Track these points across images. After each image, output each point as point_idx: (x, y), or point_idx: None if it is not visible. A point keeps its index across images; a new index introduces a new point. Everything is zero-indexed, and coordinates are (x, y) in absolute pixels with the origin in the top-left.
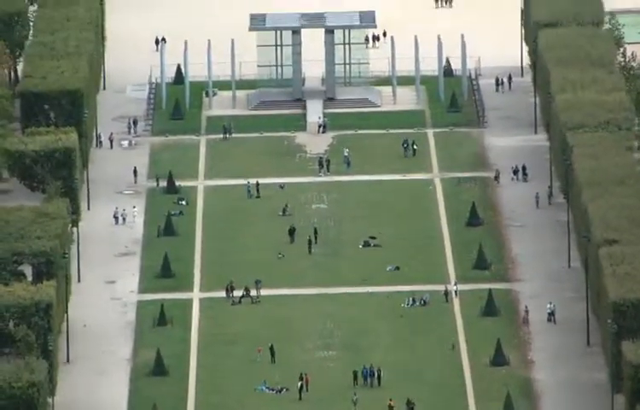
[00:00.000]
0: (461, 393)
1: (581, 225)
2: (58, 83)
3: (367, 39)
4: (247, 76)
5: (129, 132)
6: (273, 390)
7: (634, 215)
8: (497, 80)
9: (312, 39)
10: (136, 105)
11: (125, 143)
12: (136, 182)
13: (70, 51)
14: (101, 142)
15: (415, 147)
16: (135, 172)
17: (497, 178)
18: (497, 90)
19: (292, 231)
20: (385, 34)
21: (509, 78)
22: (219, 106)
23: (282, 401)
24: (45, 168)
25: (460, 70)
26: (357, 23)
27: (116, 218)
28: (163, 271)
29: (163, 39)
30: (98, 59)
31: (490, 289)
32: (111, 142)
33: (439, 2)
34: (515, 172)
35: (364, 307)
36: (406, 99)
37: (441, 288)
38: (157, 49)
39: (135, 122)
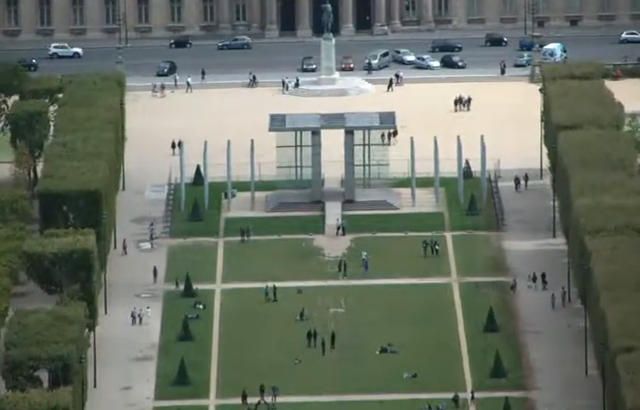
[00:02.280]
0: None
1: (599, 331)
2: (77, 184)
3: (383, 136)
4: (267, 177)
5: (151, 237)
6: None
7: None
8: (515, 179)
9: (332, 140)
10: (155, 206)
11: (147, 245)
12: (155, 282)
13: (89, 152)
14: (125, 247)
15: (437, 247)
16: (155, 272)
17: (513, 287)
18: (516, 188)
19: (310, 335)
20: (396, 133)
21: (526, 178)
22: (238, 207)
23: None
24: (63, 271)
25: (479, 172)
26: (377, 124)
27: (133, 317)
28: (179, 377)
29: (179, 143)
30: (117, 160)
31: (506, 398)
32: (124, 248)
33: (458, 105)
34: (534, 279)
35: None
36: (425, 201)
37: (457, 395)
38: (173, 154)
39: (152, 225)
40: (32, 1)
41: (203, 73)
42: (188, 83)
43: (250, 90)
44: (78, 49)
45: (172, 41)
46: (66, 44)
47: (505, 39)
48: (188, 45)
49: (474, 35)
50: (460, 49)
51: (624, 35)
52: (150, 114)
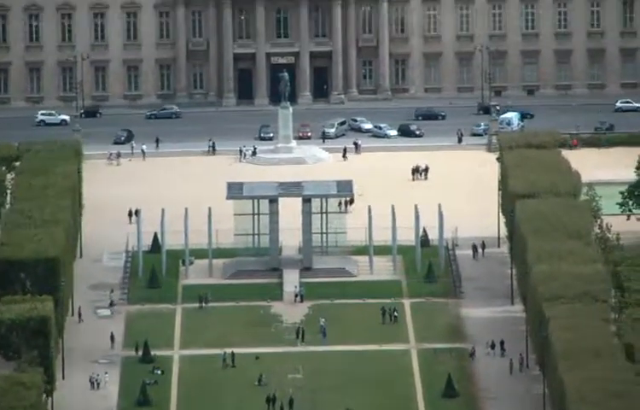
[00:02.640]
0: None
1: (557, 398)
2: (35, 251)
3: (340, 204)
4: (224, 244)
5: (110, 303)
6: None
7: (610, 388)
8: (473, 247)
9: (289, 208)
10: (113, 273)
11: (106, 311)
12: (113, 348)
13: (47, 219)
14: (79, 313)
15: (395, 313)
16: (112, 338)
17: (471, 354)
18: (473, 256)
19: (269, 400)
20: (352, 201)
21: (483, 245)
22: (196, 275)
23: None
24: (21, 337)
25: (437, 240)
26: (335, 192)
27: (91, 383)
28: None
29: (137, 212)
30: (75, 227)
31: None
32: (79, 315)
33: (415, 174)
34: (492, 346)
35: None
36: (383, 269)
37: None
38: (130, 222)
39: (112, 291)
40: None
41: (157, 141)
42: (142, 151)
43: (207, 158)
44: (66, 117)
45: (82, 111)
46: (54, 112)
47: (498, 107)
48: (98, 115)
49: (431, 104)
50: (444, 117)
51: (618, 104)
52: (107, 181)
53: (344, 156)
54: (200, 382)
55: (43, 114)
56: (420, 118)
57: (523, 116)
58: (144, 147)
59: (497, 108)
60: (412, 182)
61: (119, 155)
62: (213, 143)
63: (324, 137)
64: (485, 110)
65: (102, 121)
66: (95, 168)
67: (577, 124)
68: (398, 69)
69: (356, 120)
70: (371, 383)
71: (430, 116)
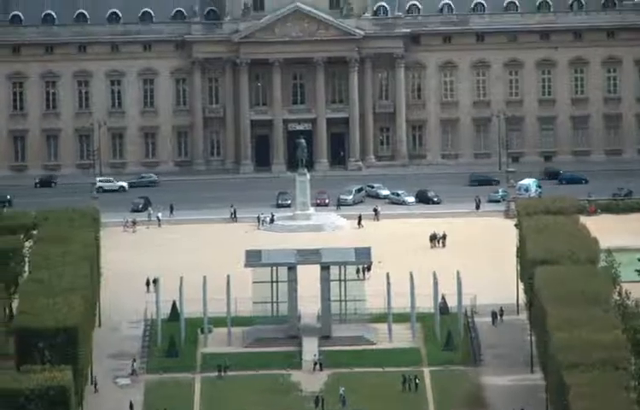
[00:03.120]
0: None
1: None
2: (53, 320)
3: (358, 271)
4: (243, 313)
5: (132, 372)
6: None
7: None
8: (492, 314)
9: (308, 275)
10: (132, 342)
11: (125, 380)
12: None
13: (65, 288)
14: (95, 382)
15: (417, 381)
16: (131, 407)
17: None
18: (493, 323)
19: None
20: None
21: (501, 312)
22: (215, 343)
23: None
24: (39, 407)
25: (455, 307)
26: (353, 259)
27: None
28: None
29: (155, 281)
30: (93, 296)
31: None
32: (95, 385)
33: (434, 242)
34: None
35: None
36: (402, 336)
37: None
38: (148, 291)
39: (134, 361)
40: (6, 137)
41: (171, 208)
42: (158, 218)
43: (225, 225)
44: (124, 183)
45: (37, 180)
46: (112, 179)
47: (561, 171)
48: (53, 184)
49: (449, 170)
50: (497, 182)
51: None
52: (125, 249)
53: (359, 224)
54: None
55: (101, 181)
56: (475, 183)
57: (578, 180)
58: (160, 214)
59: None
60: (430, 249)
61: (134, 223)
62: (234, 210)
63: (341, 204)
64: (552, 175)
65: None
66: (113, 236)
67: (590, 192)
68: (415, 135)
69: (373, 187)
70: None
71: (484, 181)
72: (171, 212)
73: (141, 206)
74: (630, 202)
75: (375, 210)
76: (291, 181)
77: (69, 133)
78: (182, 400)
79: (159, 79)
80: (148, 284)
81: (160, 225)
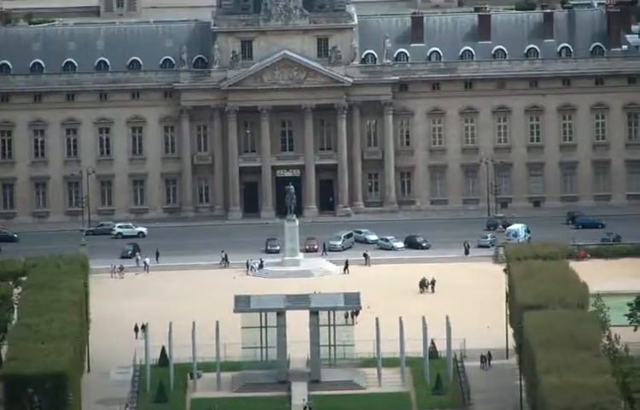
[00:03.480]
0: None
1: None
2: (42, 366)
3: (346, 316)
4: (232, 358)
5: None
6: None
7: None
8: (481, 358)
9: (297, 321)
10: (121, 388)
11: None
12: None
13: (54, 334)
14: None
15: None
16: None
17: None
18: (482, 367)
19: None
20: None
21: (489, 356)
22: (204, 388)
23: None
24: None
25: (445, 351)
26: (342, 304)
27: None
28: None
29: (143, 327)
30: (82, 342)
31: None
32: None
33: (423, 288)
34: None
35: None
36: (391, 381)
37: None
38: (137, 337)
39: (126, 406)
40: None
41: (157, 254)
42: (145, 264)
43: (213, 271)
44: (143, 229)
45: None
46: (131, 224)
47: (603, 223)
48: (15, 240)
49: (438, 216)
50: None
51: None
52: (114, 295)
53: (345, 270)
54: None
55: (120, 227)
56: (491, 228)
57: (594, 225)
58: (147, 260)
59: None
60: (420, 294)
61: (121, 269)
62: (226, 255)
63: (330, 249)
64: (573, 219)
65: (110, 235)
66: (101, 282)
67: (573, 237)
68: (404, 181)
69: (361, 232)
70: None
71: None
72: (157, 258)
73: (130, 252)
74: (618, 247)
75: (366, 255)
76: (280, 227)
77: (58, 181)
78: None
79: (147, 126)
80: (136, 329)
81: (147, 270)
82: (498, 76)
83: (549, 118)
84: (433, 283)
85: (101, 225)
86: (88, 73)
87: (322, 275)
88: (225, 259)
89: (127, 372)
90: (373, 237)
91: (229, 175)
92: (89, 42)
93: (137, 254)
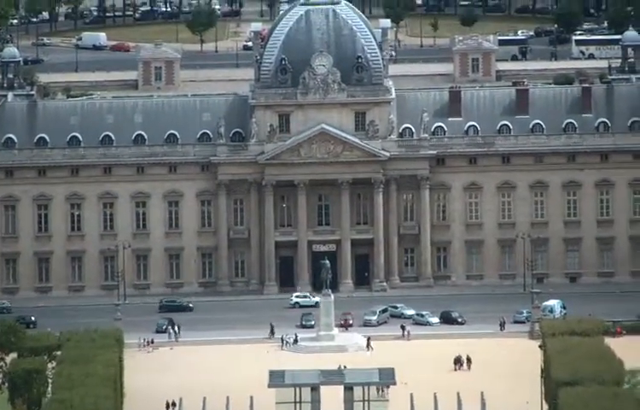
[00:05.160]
0: None
1: None
2: None
3: (378, 390)
4: None
5: None
6: None
7: None
8: None
9: (331, 396)
10: None
11: None
12: None
13: (88, 409)
14: None
15: None
16: None
17: None
18: None
19: None
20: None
21: None
22: None
23: None
24: None
25: None
26: (377, 380)
27: None
28: None
29: (173, 403)
30: None
31: None
32: None
33: (458, 365)
34: None
35: None
36: None
37: None
38: None
39: None
40: (30, 259)
41: (178, 328)
42: (175, 333)
43: (248, 345)
44: (318, 299)
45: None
46: (308, 294)
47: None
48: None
49: (473, 291)
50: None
51: None
52: (149, 369)
53: (368, 347)
54: None
55: (297, 297)
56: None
57: None
58: (179, 333)
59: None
60: (455, 370)
61: (151, 342)
62: (272, 326)
63: (366, 324)
64: None
65: (145, 309)
66: (135, 356)
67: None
68: (439, 256)
69: (397, 307)
70: None
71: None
72: (178, 331)
73: (165, 327)
74: None
75: (403, 327)
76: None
77: (94, 255)
78: None
79: (184, 200)
80: (168, 406)
81: (177, 341)
82: (536, 151)
83: (587, 193)
84: (468, 360)
85: (172, 301)
86: (125, 146)
87: (357, 350)
88: (272, 331)
89: None
90: (409, 312)
91: (265, 249)
92: (126, 115)
93: (169, 328)
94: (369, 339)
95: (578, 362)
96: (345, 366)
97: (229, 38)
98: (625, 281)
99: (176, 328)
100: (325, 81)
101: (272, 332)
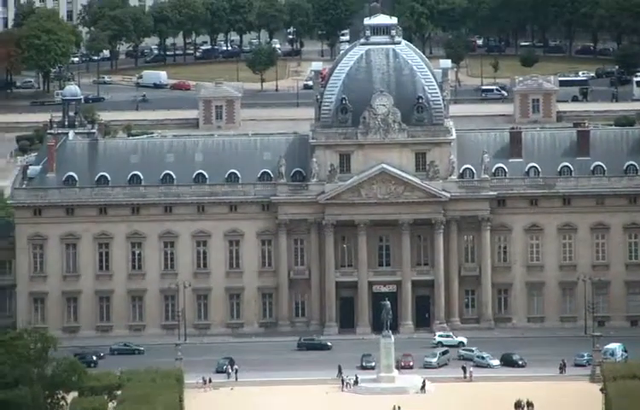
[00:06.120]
0: None
1: None
2: None
3: None
4: None
5: None
6: None
7: None
8: None
9: None
10: None
11: None
12: None
13: None
14: None
15: None
16: None
17: None
18: None
19: None
20: None
21: None
22: None
23: None
24: None
25: None
26: None
27: None
28: None
29: None
30: None
31: None
32: None
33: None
34: None
35: None
36: None
37: None
38: None
39: None
40: (91, 297)
41: (234, 370)
42: (235, 372)
43: (309, 387)
44: (463, 339)
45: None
46: (451, 333)
47: None
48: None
49: (535, 334)
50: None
51: None
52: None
53: (422, 389)
54: None
55: (440, 337)
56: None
57: None
58: (236, 367)
59: None
60: None
61: (210, 381)
62: (340, 367)
63: (426, 366)
64: None
65: (205, 349)
66: (197, 397)
67: None
68: (500, 298)
69: (472, 350)
70: None
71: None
72: (236, 373)
73: (225, 366)
74: None
75: (464, 368)
76: (375, 343)
77: (154, 293)
78: None
79: (244, 239)
80: None
81: (236, 380)
82: (597, 193)
83: None
84: (529, 404)
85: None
86: (186, 185)
87: (417, 392)
88: (339, 371)
89: None
90: (471, 354)
91: (326, 289)
92: (187, 154)
93: (229, 367)
94: (424, 381)
95: (639, 406)
96: (399, 407)
97: (290, 77)
98: None
99: (235, 367)
100: (386, 121)
101: (340, 372)
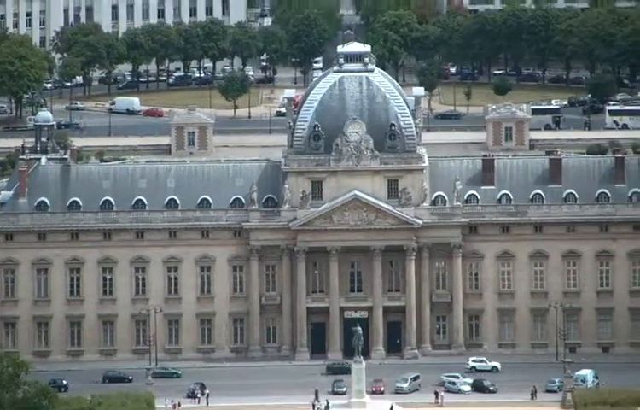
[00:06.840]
0: None
1: None
2: None
3: None
4: None
5: None
6: None
7: None
8: None
9: None
10: None
11: None
12: None
13: None
14: None
15: None
16: None
17: None
18: None
19: None
20: None
21: None
22: None
23: None
24: None
25: None
26: None
27: None
28: None
29: None
30: None
31: None
32: None
33: None
34: None
35: None
36: None
37: None
38: None
39: None
40: (62, 322)
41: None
42: (206, 397)
43: None
44: (497, 364)
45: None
46: (484, 358)
47: None
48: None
49: (506, 360)
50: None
51: None
52: None
53: None
54: None
55: (474, 362)
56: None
57: None
58: (207, 392)
59: None
60: None
61: (179, 405)
62: (316, 392)
63: (397, 391)
64: None
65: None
66: None
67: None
68: (472, 324)
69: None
70: None
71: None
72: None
73: (196, 391)
74: None
75: (437, 393)
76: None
77: (125, 319)
78: None
79: (216, 265)
80: None
81: (207, 404)
82: (569, 220)
83: (620, 263)
84: None
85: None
86: (158, 211)
87: None
88: (316, 396)
89: None
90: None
91: (297, 315)
92: (159, 180)
93: (199, 392)
94: (391, 407)
95: None
96: None
97: (263, 104)
98: None
99: (206, 392)
100: (358, 148)
101: (317, 398)
